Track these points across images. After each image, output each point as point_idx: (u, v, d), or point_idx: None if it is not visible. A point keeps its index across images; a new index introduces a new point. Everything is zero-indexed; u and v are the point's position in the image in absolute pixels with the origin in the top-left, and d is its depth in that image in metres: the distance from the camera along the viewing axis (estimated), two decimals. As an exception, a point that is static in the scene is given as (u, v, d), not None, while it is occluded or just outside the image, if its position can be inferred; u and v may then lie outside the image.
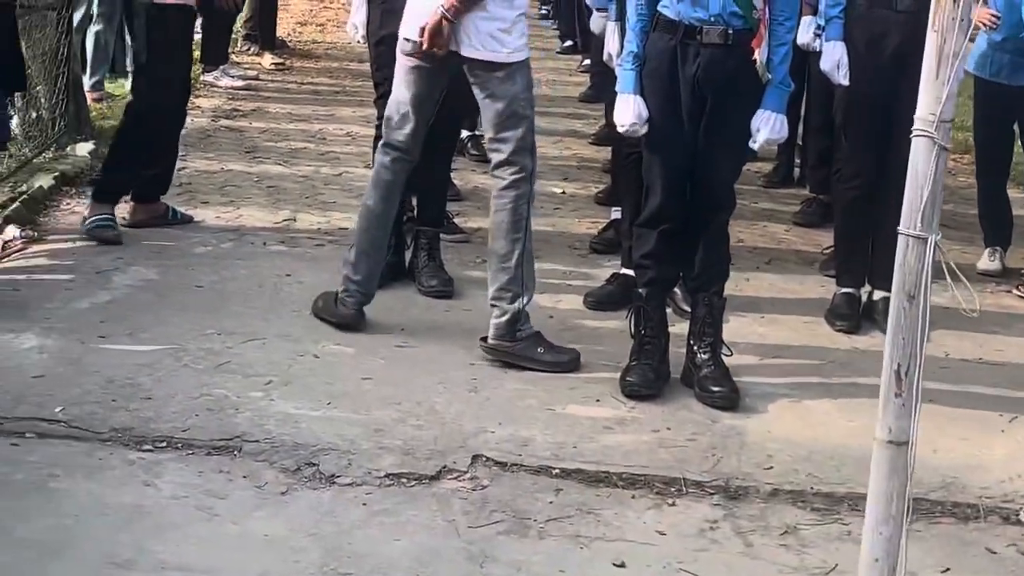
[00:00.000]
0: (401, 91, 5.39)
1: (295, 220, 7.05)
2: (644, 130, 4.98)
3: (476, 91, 5.30)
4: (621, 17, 5.85)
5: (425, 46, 5.16)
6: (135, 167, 6.56)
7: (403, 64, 5.35)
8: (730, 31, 4.86)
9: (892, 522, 2.79)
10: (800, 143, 8.45)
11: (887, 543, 2.79)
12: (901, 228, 2.74)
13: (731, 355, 5.16)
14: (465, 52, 5.20)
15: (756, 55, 4.83)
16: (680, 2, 4.87)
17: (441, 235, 6.31)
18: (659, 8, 4.94)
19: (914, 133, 2.72)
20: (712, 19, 4.85)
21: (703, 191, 5.03)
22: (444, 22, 5.11)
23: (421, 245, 6.15)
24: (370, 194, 5.51)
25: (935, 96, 2.71)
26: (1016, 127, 7.17)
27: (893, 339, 2.84)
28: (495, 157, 5.35)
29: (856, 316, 5.99)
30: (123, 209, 6.84)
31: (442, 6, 5.10)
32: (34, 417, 4.45)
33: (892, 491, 2.78)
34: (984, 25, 6.65)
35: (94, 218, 6.45)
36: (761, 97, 4.92)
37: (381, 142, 5.51)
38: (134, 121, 6.56)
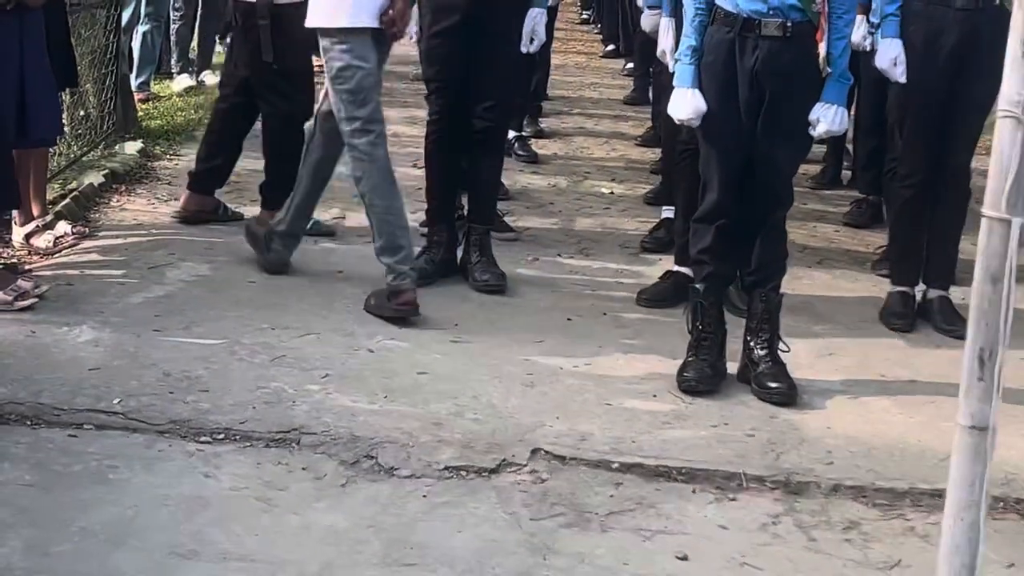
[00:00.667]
0: (360, 69, 5.50)
1: (344, 218, 7.05)
2: (699, 121, 4.96)
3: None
4: (675, 13, 5.83)
5: (405, 30, 5.65)
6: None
7: (362, 42, 5.50)
8: (789, 24, 4.82)
9: (974, 508, 2.74)
10: (848, 145, 8.41)
11: (969, 529, 2.74)
12: (984, 210, 2.68)
13: (788, 351, 5.12)
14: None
15: (820, 49, 4.79)
16: (739, -5, 4.85)
17: (492, 233, 6.30)
18: (717, 2, 4.91)
19: (999, 114, 2.66)
20: (771, 12, 4.81)
21: (761, 186, 4.99)
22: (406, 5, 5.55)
23: (472, 241, 6.12)
24: (373, 178, 5.54)
25: (1021, 76, 2.65)
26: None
27: (976, 324, 2.78)
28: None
29: (911, 315, 5.95)
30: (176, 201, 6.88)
31: None
32: (92, 409, 4.45)
33: (975, 477, 2.73)
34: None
35: None
36: (819, 91, 4.89)
37: (356, 127, 5.53)
38: (281, 125, 6.52)
